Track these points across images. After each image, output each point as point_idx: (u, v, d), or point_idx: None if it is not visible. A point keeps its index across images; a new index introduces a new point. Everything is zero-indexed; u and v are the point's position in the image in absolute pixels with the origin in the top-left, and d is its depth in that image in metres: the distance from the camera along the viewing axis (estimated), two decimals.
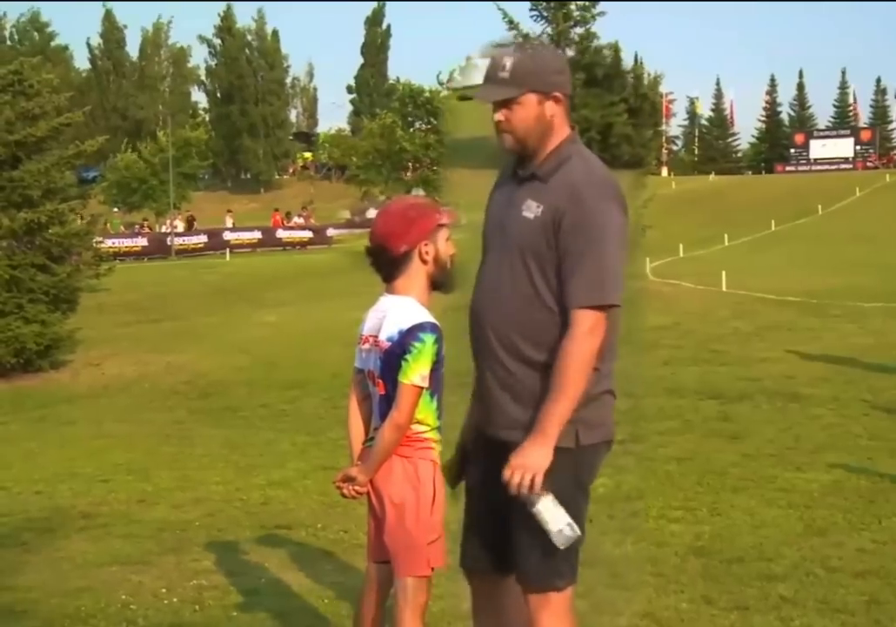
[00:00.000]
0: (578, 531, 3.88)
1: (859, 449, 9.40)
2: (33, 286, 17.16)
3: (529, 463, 3.84)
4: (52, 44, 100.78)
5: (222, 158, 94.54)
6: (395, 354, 4.40)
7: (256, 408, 13.56)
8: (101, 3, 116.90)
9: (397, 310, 4.49)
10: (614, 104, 28.69)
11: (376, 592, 4.62)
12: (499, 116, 4.06)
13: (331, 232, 61.45)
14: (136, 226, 62.39)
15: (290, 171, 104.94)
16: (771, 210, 47.83)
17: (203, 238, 57.22)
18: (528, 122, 4.03)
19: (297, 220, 67.09)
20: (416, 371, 4.32)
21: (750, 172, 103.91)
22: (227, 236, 58.24)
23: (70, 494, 9.25)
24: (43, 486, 9.60)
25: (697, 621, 5.54)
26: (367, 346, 4.60)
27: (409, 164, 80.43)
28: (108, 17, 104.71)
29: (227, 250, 54.18)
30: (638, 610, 5.67)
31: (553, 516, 3.87)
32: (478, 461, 4.32)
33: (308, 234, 61.07)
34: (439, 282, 4.59)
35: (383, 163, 78.94)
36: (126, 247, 48.84)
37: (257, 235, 59.54)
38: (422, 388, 4.34)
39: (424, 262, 4.51)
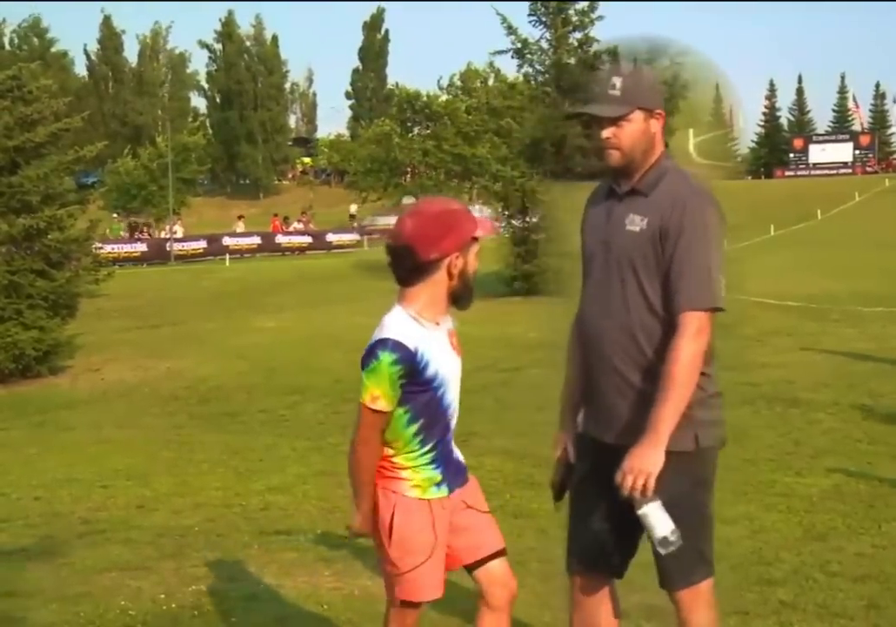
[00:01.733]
0: (681, 540, 3.93)
1: (859, 454, 9.41)
2: (32, 292, 17.17)
3: (643, 466, 3.90)
4: (52, 49, 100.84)
5: (221, 163, 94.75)
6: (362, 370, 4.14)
7: (256, 413, 13.56)
8: (100, 8, 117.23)
9: (383, 322, 4.17)
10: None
11: None
12: (607, 133, 4.15)
13: (330, 237, 61.46)
14: (140, 228, 62.36)
15: (290, 176, 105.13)
16: (770, 215, 47.87)
17: (202, 244, 57.26)
18: (635, 138, 4.15)
19: (296, 225, 67.10)
20: (367, 390, 4.06)
21: (749, 177, 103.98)
22: (227, 241, 58.27)
23: (69, 499, 9.25)
24: (42, 492, 9.61)
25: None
26: None
27: (408, 170, 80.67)
28: (107, 23, 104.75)
29: (227, 255, 54.24)
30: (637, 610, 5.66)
31: (659, 521, 3.94)
32: (588, 467, 4.35)
33: (307, 239, 61.09)
34: (459, 297, 4.23)
35: (381, 169, 79.16)
36: (125, 252, 48.96)
37: (257, 240, 59.63)
38: (374, 410, 4.05)
39: (451, 276, 4.15)
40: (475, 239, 4.18)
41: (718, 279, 4.07)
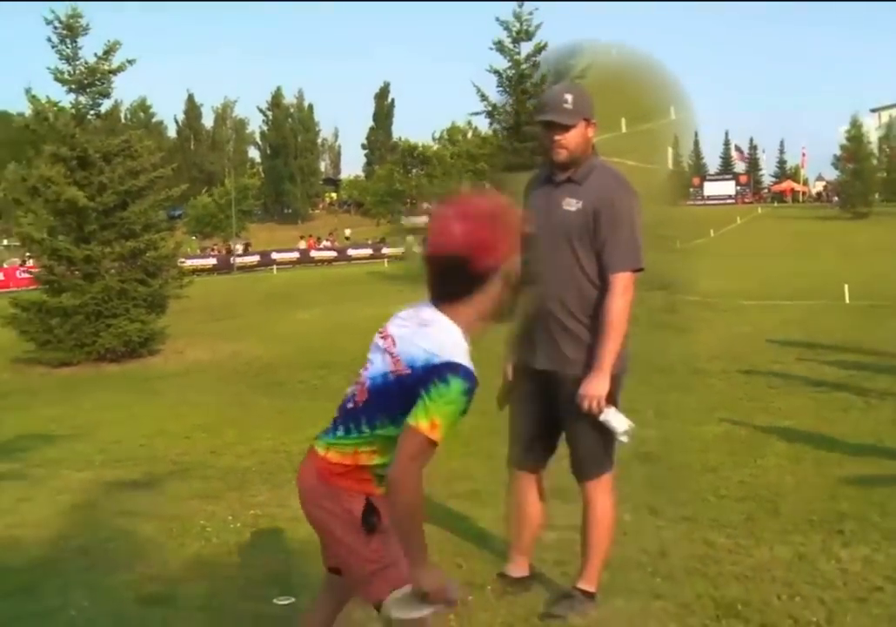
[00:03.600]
0: (634, 430, 4.16)
1: (741, 409, 9.44)
2: (136, 295, 17.21)
3: (595, 391, 4.09)
4: (153, 120, 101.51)
5: (271, 198, 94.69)
6: (408, 385, 2.75)
7: (296, 383, 13.54)
8: (186, 88, 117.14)
9: (439, 331, 2.77)
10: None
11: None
12: (559, 136, 4.20)
13: (350, 252, 61.46)
14: (209, 249, 62.30)
15: (320, 206, 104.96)
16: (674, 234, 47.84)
17: (256, 258, 57.27)
18: (578, 141, 4.22)
19: (325, 243, 67.07)
20: (428, 417, 2.66)
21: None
22: (274, 255, 58.28)
23: (163, 446, 9.25)
24: (144, 440, 9.61)
25: (625, 539, 5.53)
26: (381, 347, 2.92)
27: (408, 200, 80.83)
28: (191, 99, 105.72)
29: (274, 266, 54.18)
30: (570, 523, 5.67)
31: (618, 422, 4.14)
32: (524, 387, 4.48)
33: (333, 254, 61.07)
34: (496, 313, 2.89)
35: (389, 200, 79.26)
36: (200, 265, 48.85)
37: (296, 255, 59.65)
38: (433, 441, 2.70)
39: (507, 285, 2.81)
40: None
41: (639, 248, 4.17)
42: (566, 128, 4.19)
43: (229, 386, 13.66)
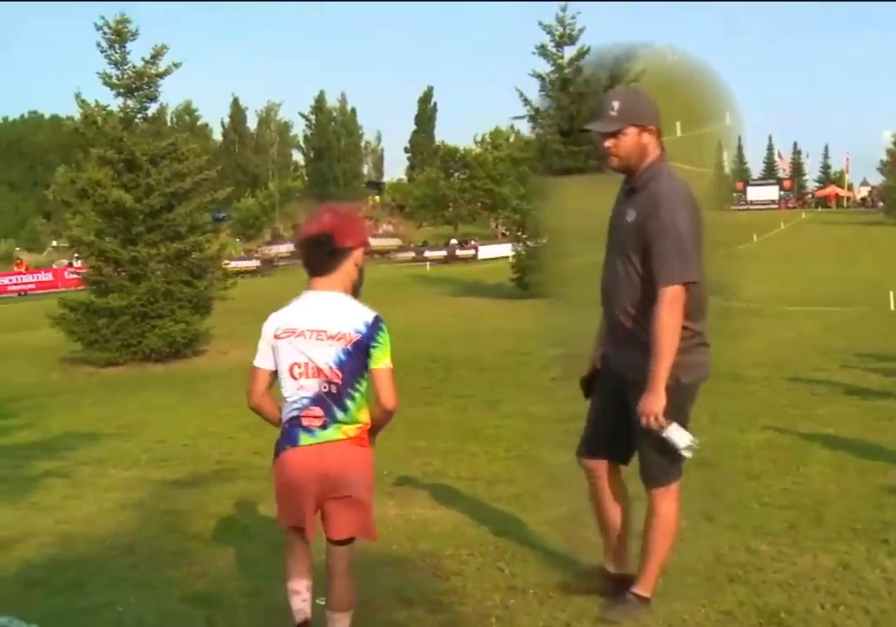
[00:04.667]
0: (697, 445, 4.17)
1: (784, 416, 9.34)
2: (181, 296, 17.37)
3: (651, 409, 4.07)
4: (198, 123, 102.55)
5: (314, 201, 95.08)
6: (365, 345, 3.63)
7: None
8: (230, 92, 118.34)
9: (344, 304, 3.74)
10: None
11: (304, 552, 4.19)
12: (608, 143, 4.19)
13: (391, 255, 61.67)
14: (253, 251, 62.71)
15: (363, 210, 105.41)
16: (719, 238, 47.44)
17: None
18: (629, 148, 4.18)
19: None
20: (387, 356, 3.67)
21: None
22: None
23: (207, 446, 9.35)
24: (188, 440, 9.71)
25: None
26: (304, 339, 3.71)
27: (450, 204, 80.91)
28: (236, 102, 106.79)
29: None
30: None
31: (680, 437, 4.13)
32: (602, 384, 4.53)
33: (376, 257, 61.21)
34: (354, 289, 3.86)
35: (430, 204, 79.45)
36: (244, 267, 49.20)
37: None
38: (392, 369, 3.68)
39: (357, 265, 3.81)
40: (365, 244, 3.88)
41: (688, 260, 4.05)
42: (613, 135, 4.17)
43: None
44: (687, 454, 4.15)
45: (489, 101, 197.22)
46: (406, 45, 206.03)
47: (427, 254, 61.24)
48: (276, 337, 3.79)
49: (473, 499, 6.67)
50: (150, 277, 17.27)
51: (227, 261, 21.96)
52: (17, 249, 75.53)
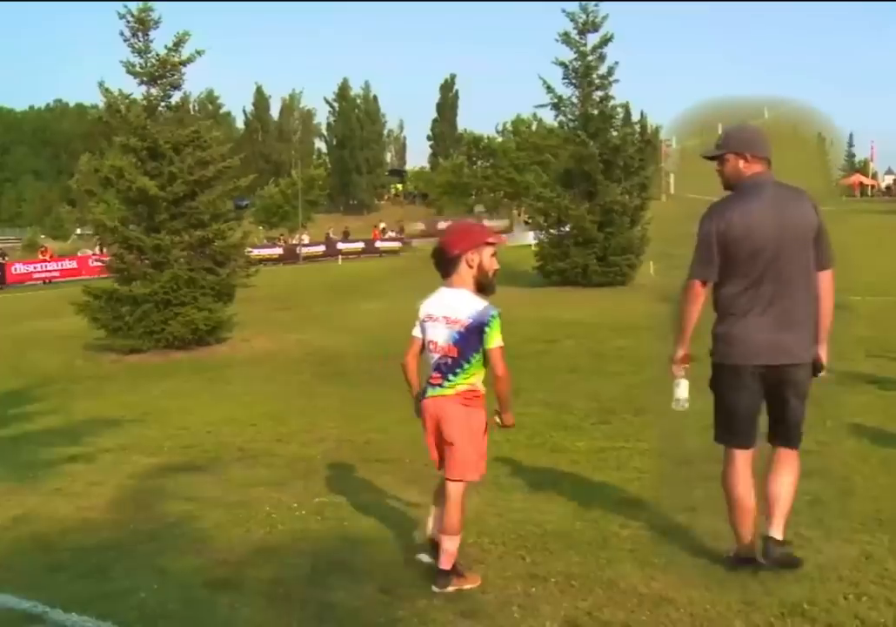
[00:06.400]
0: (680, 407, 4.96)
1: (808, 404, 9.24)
2: (204, 284, 17.39)
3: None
4: (221, 111, 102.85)
5: (337, 189, 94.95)
6: (477, 328, 4.59)
7: (362, 373, 13.63)
8: (254, 80, 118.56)
9: (465, 298, 4.68)
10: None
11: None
12: (716, 166, 4.87)
13: (415, 242, 61.53)
14: (275, 239, 62.74)
15: (385, 198, 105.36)
16: None
17: (322, 248, 57.57)
18: (728, 170, 4.81)
19: (390, 234, 67.31)
20: (496, 338, 4.58)
21: None
22: (340, 245, 58.56)
23: (230, 433, 9.39)
24: (211, 427, 9.76)
25: (687, 531, 5.50)
26: (435, 322, 4.75)
27: (473, 192, 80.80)
28: (259, 91, 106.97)
29: (340, 256, 54.47)
30: (643, 524, 5.65)
31: (680, 392, 4.96)
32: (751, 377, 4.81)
33: (398, 244, 61.18)
34: (481, 285, 4.75)
35: (453, 192, 79.39)
36: (267, 255, 49.23)
37: (361, 245, 59.88)
38: (503, 347, 4.58)
39: (469, 266, 4.70)
40: (488, 244, 4.75)
41: (694, 261, 4.80)
42: (714, 159, 4.86)
43: (295, 375, 13.78)
44: (675, 405, 4.91)
45: (512, 89, 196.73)
46: (429, 32, 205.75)
47: None
48: (422, 320, 4.83)
49: (495, 487, 6.67)
50: (173, 264, 17.32)
51: (249, 249, 21.98)
52: (42, 237, 75.96)
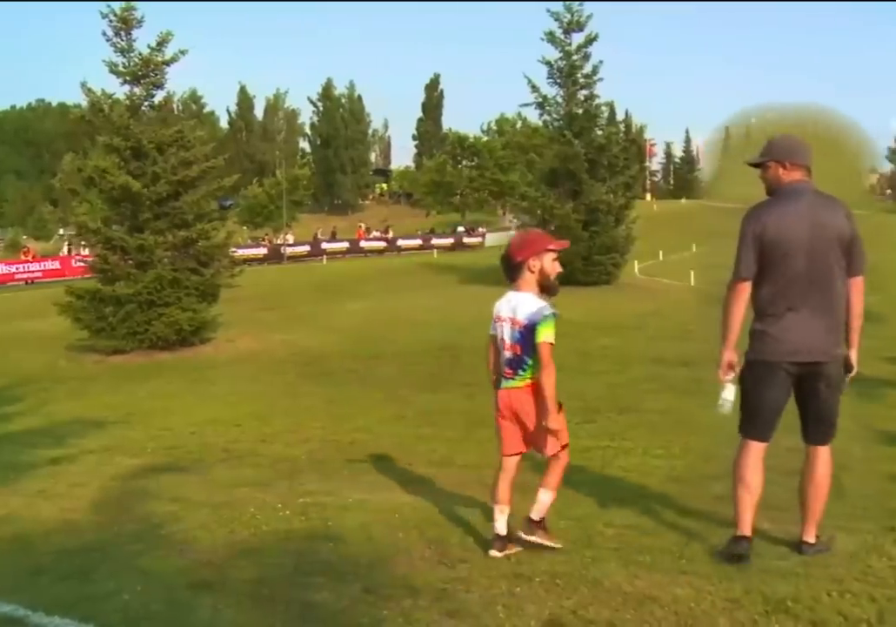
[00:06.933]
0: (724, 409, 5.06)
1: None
2: (188, 284, 17.35)
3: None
4: (204, 111, 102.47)
5: (321, 188, 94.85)
6: (531, 327, 5.01)
7: (346, 373, 13.62)
8: (237, 80, 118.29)
9: (526, 301, 5.11)
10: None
11: (513, 474, 5.29)
12: (760, 173, 5.09)
13: (400, 242, 61.49)
14: (259, 239, 62.61)
15: (370, 197, 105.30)
16: (726, 226, 47.28)
17: (307, 248, 57.49)
18: (770, 178, 5.05)
19: (375, 233, 67.27)
20: (545, 334, 4.95)
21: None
22: (325, 245, 58.52)
23: (214, 434, 9.36)
24: (195, 428, 9.73)
25: (671, 529, 5.53)
26: (503, 322, 5.19)
27: (458, 192, 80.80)
28: (243, 90, 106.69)
29: (324, 256, 54.40)
30: (628, 523, 5.67)
31: (727, 393, 5.03)
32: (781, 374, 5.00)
33: (383, 244, 61.16)
34: (544, 288, 5.17)
35: (438, 191, 79.36)
36: (252, 254, 49.14)
37: (346, 245, 59.92)
38: (552, 345, 4.96)
39: (531, 271, 5.12)
40: (549, 250, 5.16)
41: (736, 261, 4.97)
42: (757, 166, 5.10)
43: (279, 375, 13.76)
44: (719, 408, 5.01)
45: (497, 89, 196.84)
46: (414, 32, 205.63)
47: (434, 241, 61.22)
48: (494, 320, 5.29)
49: (480, 486, 6.66)
50: (156, 264, 17.26)
51: (234, 249, 21.93)
52: (24, 237, 75.60)
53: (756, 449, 5.08)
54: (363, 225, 72.10)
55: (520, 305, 5.12)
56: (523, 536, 5.13)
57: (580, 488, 6.56)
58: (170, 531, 5.90)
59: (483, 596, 4.56)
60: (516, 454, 5.28)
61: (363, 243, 61.26)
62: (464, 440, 8.56)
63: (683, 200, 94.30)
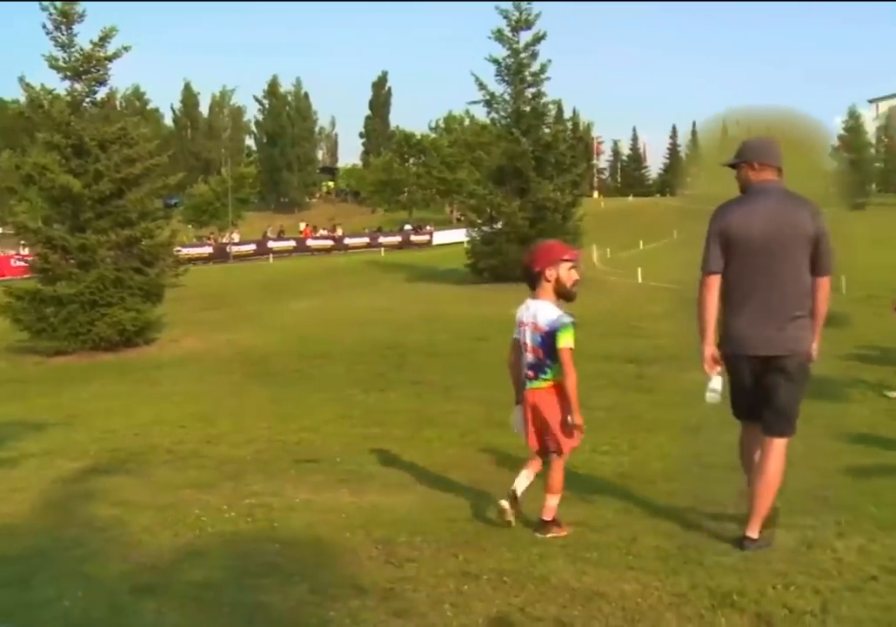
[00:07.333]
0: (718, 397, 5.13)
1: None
2: (132, 284, 17.19)
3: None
4: (148, 107, 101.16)
5: (267, 186, 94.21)
6: (552, 333, 5.34)
7: (292, 373, 13.55)
8: (182, 77, 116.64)
9: (545, 308, 5.46)
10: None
11: (536, 467, 5.64)
12: (736, 173, 5.25)
13: (347, 241, 61.35)
14: (204, 238, 62.09)
15: (317, 195, 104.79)
16: (673, 223, 47.86)
17: (253, 246, 57.16)
18: (741, 176, 5.22)
19: (322, 232, 67.03)
20: (565, 340, 5.29)
21: (658, 195, 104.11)
22: (271, 244, 58.22)
23: (158, 435, 9.25)
24: (139, 430, 9.61)
25: (618, 526, 5.57)
26: (525, 327, 5.53)
27: (405, 190, 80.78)
28: (188, 87, 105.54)
29: (271, 255, 54.09)
30: (575, 519, 5.69)
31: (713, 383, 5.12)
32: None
33: (330, 242, 60.97)
34: (561, 295, 5.49)
35: (385, 189, 79.28)
36: (197, 253, 48.74)
37: (292, 243, 59.64)
38: (572, 349, 5.30)
39: (548, 280, 5.45)
40: (565, 260, 5.47)
41: (703, 258, 5.20)
42: (736, 168, 5.25)
43: (225, 375, 13.65)
44: (707, 396, 5.10)
45: (445, 86, 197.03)
46: (362, 29, 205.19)
47: (381, 240, 61.16)
48: (517, 325, 5.64)
49: (428, 485, 6.67)
50: (99, 264, 17.05)
51: (178, 248, 21.74)
52: None
53: (747, 429, 5.34)
54: (304, 224, 71.92)
55: (539, 312, 5.48)
56: (538, 535, 5.41)
57: (529, 486, 6.58)
58: (113, 535, 5.81)
59: (430, 595, 4.55)
60: (534, 449, 5.65)
61: (310, 242, 61.02)
62: (411, 438, 8.54)
63: (631, 198, 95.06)
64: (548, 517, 5.50)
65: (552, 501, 5.52)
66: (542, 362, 5.49)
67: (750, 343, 5.06)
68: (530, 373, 5.56)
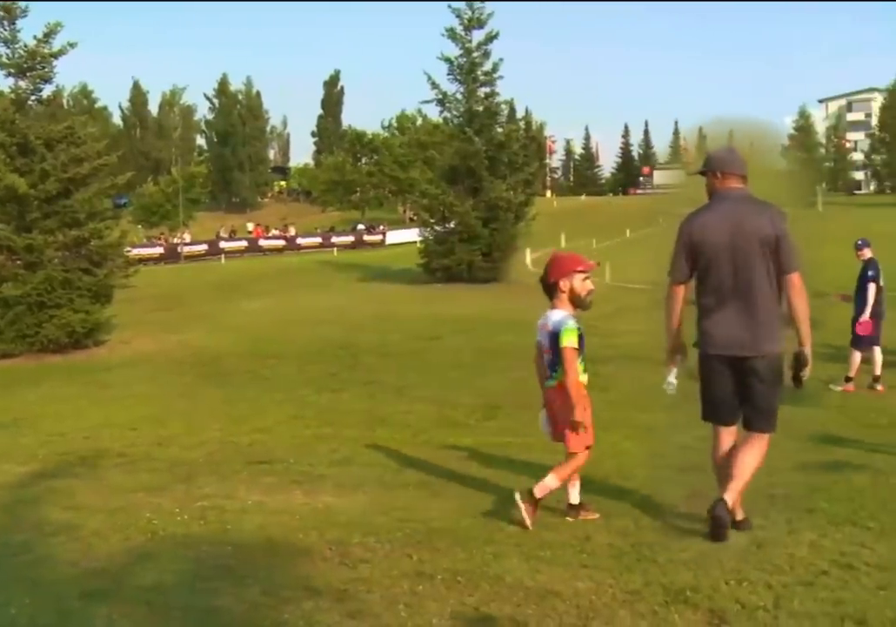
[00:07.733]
0: (674, 391, 5.58)
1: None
2: (80, 285, 17.01)
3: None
4: (96, 106, 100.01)
5: (218, 186, 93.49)
6: (556, 334, 5.65)
7: (244, 373, 13.47)
8: (130, 75, 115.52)
9: (554, 314, 5.75)
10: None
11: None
12: (703, 181, 5.44)
13: (300, 241, 61.10)
14: (154, 238, 61.49)
15: (269, 195, 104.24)
16: (626, 222, 48.24)
17: (204, 247, 56.75)
18: (707, 185, 5.42)
19: (274, 232, 66.71)
20: (567, 340, 5.58)
21: (611, 194, 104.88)
22: (223, 244, 57.83)
23: (109, 438, 9.15)
24: (89, 433, 9.50)
25: (572, 524, 5.59)
26: (542, 331, 5.80)
27: (358, 190, 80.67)
28: (136, 85, 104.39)
29: (223, 255, 53.72)
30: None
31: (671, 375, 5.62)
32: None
33: (282, 242, 60.68)
34: (576, 304, 5.77)
35: (337, 189, 79.12)
36: (147, 254, 48.27)
37: (245, 243, 59.29)
38: (574, 349, 5.60)
39: (563, 291, 5.74)
40: (578, 271, 5.76)
41: (671, 263, 5.57)
42: (703, 176, 5.45)
43: (176, 377, 13.54)
44: (666, 387, 5.56)
45: (397, 85, 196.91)
46: (314, 27, 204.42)
47: (334, 239, 60.98)
48: (539, 329, 5.87)
49: (381, 486, 6.66)
50: (46, 265, 16.84)
51: (128, 248, 21.52)
52: None
53: (722, 432, 5.45)
54: (251, 225, 71.72)
55: (551, 316, 5.78)
56: (516, 497, 5.61)
57: (482, 484, 6.59)
58: (62, 540, 5.74)
59: (384, 596, 4.54)
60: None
61: (262, 242, 60.70)
62: (364, 438, 8.52)
63: (583, 197, 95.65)
64: (539, 493, 5.63)
65: (551, 480, 5.69)
66: (554, 361, 5.76)
67: (722, 343, 5.27)
68: (549, 373, 5.83)
